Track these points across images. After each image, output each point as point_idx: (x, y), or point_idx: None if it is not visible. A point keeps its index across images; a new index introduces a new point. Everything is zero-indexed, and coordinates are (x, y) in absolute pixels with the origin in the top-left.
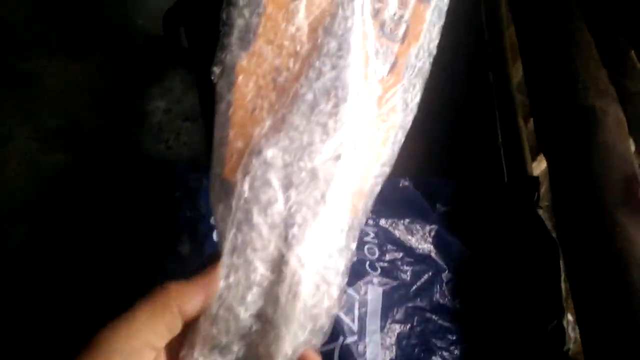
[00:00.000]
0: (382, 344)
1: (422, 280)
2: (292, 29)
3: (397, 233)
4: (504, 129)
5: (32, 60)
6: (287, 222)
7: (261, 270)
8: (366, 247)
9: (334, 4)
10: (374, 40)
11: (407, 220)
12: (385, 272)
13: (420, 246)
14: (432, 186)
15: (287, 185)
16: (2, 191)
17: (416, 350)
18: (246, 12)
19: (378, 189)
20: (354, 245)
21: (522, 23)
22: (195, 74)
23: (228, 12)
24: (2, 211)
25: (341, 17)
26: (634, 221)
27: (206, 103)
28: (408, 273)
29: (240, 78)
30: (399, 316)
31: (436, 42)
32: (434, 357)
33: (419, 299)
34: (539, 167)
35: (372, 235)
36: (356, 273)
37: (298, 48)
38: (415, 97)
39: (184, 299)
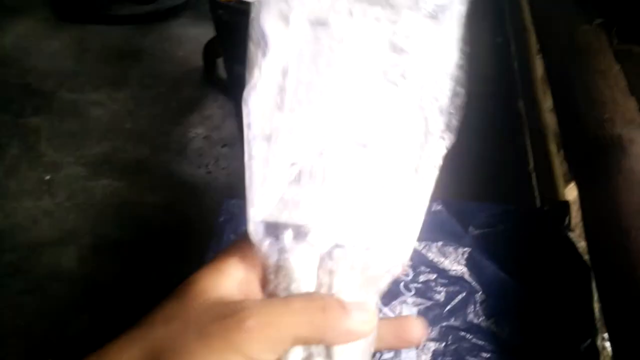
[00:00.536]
0: None
1: (456, 300)
2: None
3: (430, 255)
4: (536, 155)
5: (79, 92)
6: None
7: None
8: None
9: None
10: None
11: (440, 243)
12: (419, 293)
13: (453, 268)
14: (464, 210)
15: None
16: (54, 216)
17: None
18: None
19: None
20: None
21: (550, 54)
22: (233, 102)
23: (248, 47)
24: (53, 235)
25: None
26: None
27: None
28: (442, 293)
29: None
30: (433, 334)
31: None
32: None
33: (453, 319)
34: (573, 192)
35: None
36: (391, 294)
37: None
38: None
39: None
